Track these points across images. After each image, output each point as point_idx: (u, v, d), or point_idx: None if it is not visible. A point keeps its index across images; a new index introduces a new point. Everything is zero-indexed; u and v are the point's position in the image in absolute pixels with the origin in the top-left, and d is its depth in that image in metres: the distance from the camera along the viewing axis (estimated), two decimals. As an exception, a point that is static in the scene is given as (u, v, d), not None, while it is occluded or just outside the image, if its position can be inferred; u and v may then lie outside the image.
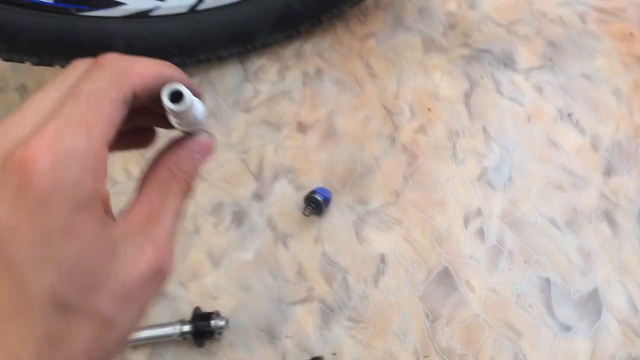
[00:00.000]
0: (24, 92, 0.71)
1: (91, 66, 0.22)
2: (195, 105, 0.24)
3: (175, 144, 0.26)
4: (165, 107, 0.23)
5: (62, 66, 0.61)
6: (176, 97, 0.23)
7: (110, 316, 0.21)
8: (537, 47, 0.68)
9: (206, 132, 0.27)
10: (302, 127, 0.64)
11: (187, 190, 0.26)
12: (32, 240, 0.19)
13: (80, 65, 0.24)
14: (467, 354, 0.50)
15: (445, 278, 0.54)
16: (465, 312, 0.52)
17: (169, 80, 0.24)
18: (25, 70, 0.73)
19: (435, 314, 0.52)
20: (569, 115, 0.63)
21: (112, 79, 0.22)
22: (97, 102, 0.21)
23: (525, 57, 0.68)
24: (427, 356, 0.51)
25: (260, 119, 0.66)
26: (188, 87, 0.24)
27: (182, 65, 0.68)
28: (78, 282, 0.20)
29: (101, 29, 0.60)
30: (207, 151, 0.27)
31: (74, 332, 0.20)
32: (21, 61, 0.59)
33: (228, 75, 0.69)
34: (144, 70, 0.23)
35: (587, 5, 0.71)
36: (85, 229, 0.20)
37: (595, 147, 0.60)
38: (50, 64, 0.61)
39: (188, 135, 0.26)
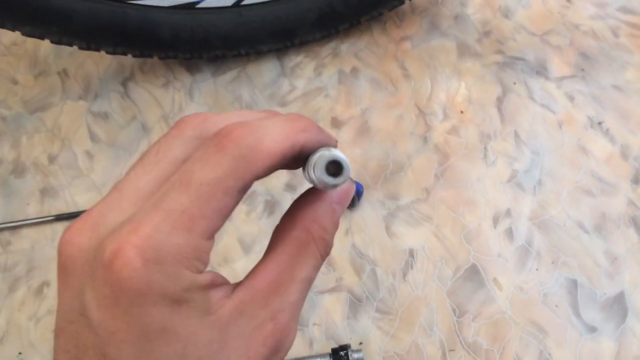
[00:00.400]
0: (65, 76, 0.73)
1: (210, 145, 0.19)
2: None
3: (311, 194, 0.23)
4: (318, 183, 0.20)
5: (108, 52, 0.63)
6: (332, 167, 0.20)
7: None
8: (569, 57, 0.70)
9: None
10: (336, 123, 0.66)
11: (325, 251, 0.22)
12: (133, 342, 0.18)
13: (186, 130, 0.21)
14: (492, 350, 0.51)
15: (473, 275, 0.55)
16: (492, 308, 0.53)
17: (311, 145, 0.21)
18: (68, 56, 0.75)
19: (462, 309, 0.53)
20: (600, 123, 0.64)
21: (232, 167, 0.19)
22: (209, 194, 0.18)
23: (557, 66, 0.69)
24: (453, 350, 0.51)
25: (295, 113, 0.67)
26: (327, 142, 0.22)
27: (222, 57, 0.70)
28: None
29: (149, 18, 0.62)
30: (346, 198, 0.23)
31: None
32: (70, 44, 0.62)
33: (265, 70, 0.71)
34: (274, 147, 0.19)
35: (619, 20, 0.73)
36: (186, 324, 0.18)
37: (624, 155, 0.61)
38: (97, 49, 0.63)
39: None
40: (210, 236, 0.19)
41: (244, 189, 0.19)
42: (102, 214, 0.19)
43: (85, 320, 0.18)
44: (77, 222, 0.20)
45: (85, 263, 0.18)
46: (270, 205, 0.60)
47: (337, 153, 0.20)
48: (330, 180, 0.20)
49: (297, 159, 0.21)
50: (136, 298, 0.17)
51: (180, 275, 0.18)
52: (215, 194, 0.18)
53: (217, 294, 0.19)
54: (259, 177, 0.19)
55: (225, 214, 0.19)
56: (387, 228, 0.58)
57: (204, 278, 0.19)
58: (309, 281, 0.22)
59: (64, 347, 0.19)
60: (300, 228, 0.22)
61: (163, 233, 0.17)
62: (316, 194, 0.22)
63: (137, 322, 0.17)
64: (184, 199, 0.18)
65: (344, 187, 0.23)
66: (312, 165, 0.20)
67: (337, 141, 0.24)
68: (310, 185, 0.23)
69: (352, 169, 0.62)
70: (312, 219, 0.22)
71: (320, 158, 0.20)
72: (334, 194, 0.22)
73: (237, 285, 0.21)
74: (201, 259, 0.18)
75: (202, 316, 0.19)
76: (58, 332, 0.19)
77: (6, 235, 0.59)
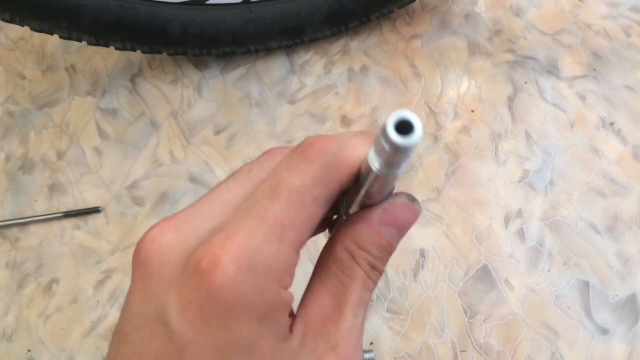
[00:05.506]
0: (73, 72, 0.73)
1: (295, 155, 0.19)
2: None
3: (354, 215, 0.21)
4: (387, 143, 0.17)
5: (118, 48, 0.63)
6: (402, 128, 0.17)
7: None
8: (581, 57, 0.69)
9: (402, 194, 0.21)
10: (346, 121, 0.66)
11: (372, 273, 0.21)
12: (211, 354, 0.17)
13: (277, 155, 0.21)
14: (504, 352, 0.51)
15: (485, 275, 0.55)
16: (503, 310, 0.53)
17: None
18: (76, 51, 0.74)
19: (473, 310, 0.53)
20: (612, 124, 0.63)
21: (319, 175, 0.18)
22: (298, 202, 0.18)
23: (569, 65, 0.69)
24: (464, 351, 0.51)
25: (305, 110, 0.67)
26: None
27: (231, 54, 0.69)
28: None
29: (159, 14, 0.62)
30: (401, 220, 0.21)
31: None
32: (79, 40, 0.61)
33: (275, 67, 0.71)
34: (356, 156, 0.19)
35: (631, 20, 0.72)
36: (266, 345, 0.17)
37: (636, 156, 0.61)
38: (106, 45, 0.62)
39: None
40: (299, 248, 0.18)
41: (330, 198, 0.19)
42: (189, 218, 0.19)
43: (161, 326, 0.17)
44: (162, 222, 0.19)
45: (166, 265, 0.18)
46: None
47: (410, 113, 0.17)
48: (399, 139, 0.16)
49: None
50: (223, 310, 0.16)
51: (267, 288, 0.17)
52: (305, 202, 0.18)
53: (290, 321, 0.19)
54: (343, 186, 0.19)
55: (313, 225, 0.18)
56: (398, 228, 0.58)
57: (288, 296, 0.18)
58: (364, 304, 0.20)
59: (125, 354, 0.18)
60: (341, 249, 0.20)
61: (256, 240, 0.17)
62: (361, 214, 0.21)
63: (219, 335, 0.17)
64: (275, 207, 0.17)
65: (397, 205, 0.20)
66: (379, 134, 0.17)
67: None
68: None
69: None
70: (352, 240, 0.20)
71: (390, 119, 0.16)
72: (380, 214, 0.20)
73: (295, 319, 0.20)
74: (289, 272, 0.18)
75: (280, 340, 0.18)
76: (120, 338, 0.18)
77: (15, 231, 0.59)
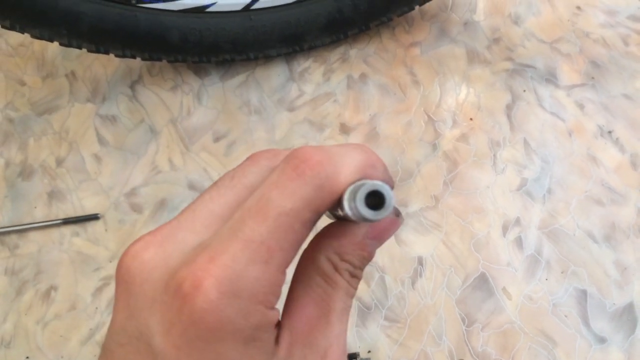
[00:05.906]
0: (73, 79, 0.73)
1: (287, 170, 0.18)
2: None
3: (339, 225, 0.21)
4: (354, 215, 0.17)
5: (117, 55, 0.63)
6: (373, 199, 0.17)
7: None
8: (579, 65, 0.70)
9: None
10: (344, 129, 0.66)
11: (354, 281, 0.21)
12: None
13: (260, 161, 0.20)
14: None
15: (482, 283, 0.55)
16: (501, 318, 0.53)
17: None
18: (75, 58, 0.75)
19: (471, 318, 0.53)
20: (609, 132, 0.64)
21: (311, 197, 0.18)
22: (287, 225, 0.17)
23: (567, 74, 0.69)
24: (462, 359, 0.51)
25: (303, 118, 0.67)
26: (389, 183, 0.20)
27: (231, 61, 0.69)
28: None
29: (158, 22, 0.62)
30: (385, 235, 0.21)
31: None
32: (79, 47, 0.61)
33: (274, 75, 0.71)
34: (348, 180, 0.18)
35: (629, 28, 0.73)
36: None
37: (634, 165, 0.61)
38: (106, 52, 0.63)
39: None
40: (285, 268, 0.18)
41: (316, 220, 0.18)
42: (173, 232, 0.19)
43: (144, 345, 0.17)
44: (145, 236, 0.19)
45: (148, 282, 0.18)
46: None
47: (382, 184, 0.17)
48: (368, 213, 0.17)
49: None
50: (206, 332, 0.16)
51: (252, 311, 0.17)
52: (293, 225, 0.17)
53: (275, 332, 0.18)
54: (328, 209, 0.18)
55: (299, 247, 0.18)
56: (396, 235, 0.58)
57: (274, 315, 0.18)
58: (346, 309, 0.20)
59: None
60: (323, 259, 0.20)
61: (241, 264, 0.17)
62: (345, 226, 0.21)
63: (203, 357, 0.16)
64: (262, 229, 0.17)
65: (384, 224, 0.21)
66: (352, 194, 0.18)
67: (394, 182, 0.23)
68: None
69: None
70: (334, 251, 0.20)
71: (362, 187, 0.17)
72: (370, 229, 0.20)
73: (281, 328, 0.19)
74: (275, 293, 0.18)
75: (268, 358, 0.18)
76: (107, 354, 0.18)
77: (13, 238, 0.59)
